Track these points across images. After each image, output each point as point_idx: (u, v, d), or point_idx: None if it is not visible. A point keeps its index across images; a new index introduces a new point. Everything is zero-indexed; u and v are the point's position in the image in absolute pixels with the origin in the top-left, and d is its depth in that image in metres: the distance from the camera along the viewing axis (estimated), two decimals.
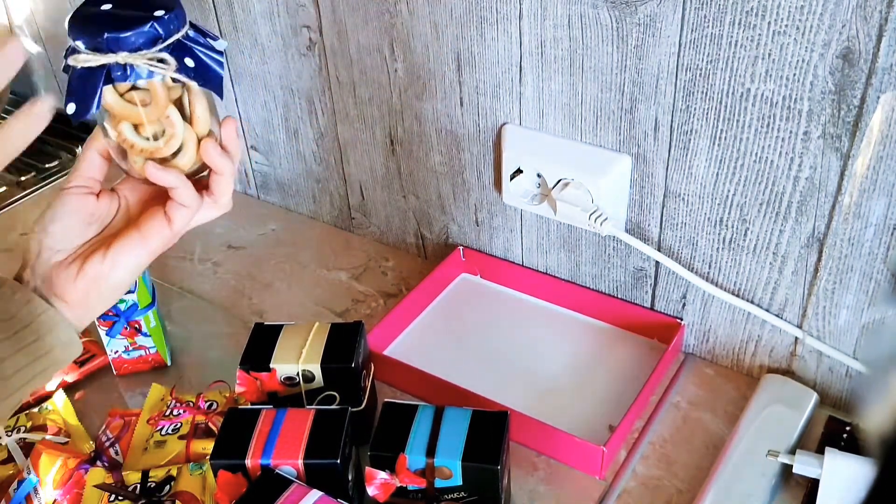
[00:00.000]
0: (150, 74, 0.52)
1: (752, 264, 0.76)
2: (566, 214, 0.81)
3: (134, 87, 0.53)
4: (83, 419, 0.81)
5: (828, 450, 0.67)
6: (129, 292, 0.81)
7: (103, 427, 0.79)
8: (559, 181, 0.81)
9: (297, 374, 0.72)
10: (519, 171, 0.84)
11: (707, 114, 0.70)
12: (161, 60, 0.52)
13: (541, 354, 0.86)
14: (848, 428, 0.74)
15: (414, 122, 0.91)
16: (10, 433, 0.77)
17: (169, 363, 0.87)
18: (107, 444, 0.77)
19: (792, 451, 0.68)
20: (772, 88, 0.66)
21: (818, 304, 0.74)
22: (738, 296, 0.78)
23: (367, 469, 0.65)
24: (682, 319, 0.83)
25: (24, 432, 0.77)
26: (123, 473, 0.71)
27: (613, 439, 0.73)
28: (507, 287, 0.94)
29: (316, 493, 0.61)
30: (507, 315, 0.91)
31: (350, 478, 0.67)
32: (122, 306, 0.82)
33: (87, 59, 0.51)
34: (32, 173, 1.25)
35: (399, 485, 0.64)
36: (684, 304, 0.83)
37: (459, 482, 0.64)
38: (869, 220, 0.67)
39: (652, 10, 0.68)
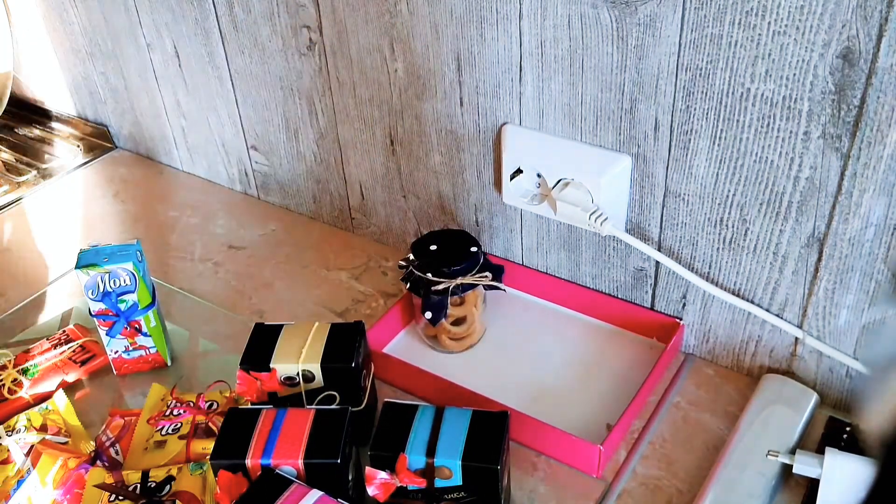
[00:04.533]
0: (472, 288, 0.83)
1: (752, 264, 0.76)
2: (566, 214, 0.81)
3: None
4: (83, 419, 0.81)
5: (828, 450, 0.67)
6: (129, 292, 0.81)
7: (103, 427, 0.79)
8: (559, 181, 0.81)
9: (297, 374, 0.72)
10: (519, 171, 0.84)
11: (707, 114, 0.70)
12: (482, 275, 0.82)
13: (541, 354, 0.86)
14: (848, 428, 0.74)
15: (414, 122, 0.91)
16: (10, 433, 0.77)
17: (169, 363, 0.87)
18: (107, 443, 0.77)
19: (792, 451, 0.68)
20: (772, 88, 0.66)
21: (818, 304, 0.74)
22: (738, 296, 0.78)
23: (367, 469, 0.65)
24: (681, 319, 0.83)
25: (24, 432, 0.77)
26: (123, 473, 0.71)
27: (611, 438, 0.73)
28: (508, 287, 0.94)
29: (316, 493, 0.61)
30: (507, 315, 0.91)
31: (350, 478, 0.67)
32: (123, 306, 0.82)
33: (441, 284, 0.81)
34: (33, 173, 1.25)
35: (399, 485, 0.64)
36: (684, 304, 0.83)
37: (459, 482, 0.64)
38: (869, 220, 0.67)
39: (652, 10, 0.68)
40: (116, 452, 0.76)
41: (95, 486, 0.70)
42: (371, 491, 0.64)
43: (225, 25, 0.99)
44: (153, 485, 0.70)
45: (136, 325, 0.83)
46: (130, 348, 0.85)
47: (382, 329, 0.87)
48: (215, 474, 0.65)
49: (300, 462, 0.64)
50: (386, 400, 0.69)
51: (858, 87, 0.62)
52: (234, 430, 0.67)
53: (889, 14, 0.59)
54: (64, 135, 1.34)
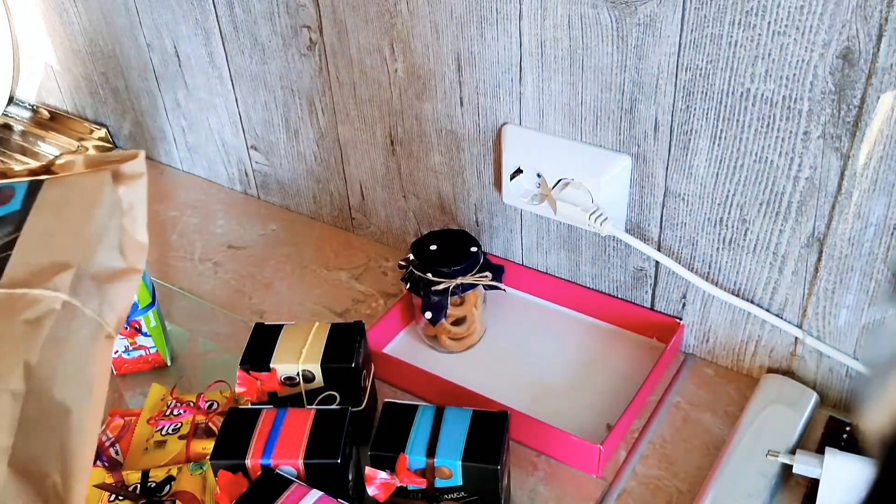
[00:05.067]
0: (472, 287, 0.82)
1: (752, 264, 0.76)
2: (566, 214, 0.81)
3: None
4: None
5: (828, 450, 0.67)
6: None
7: (103, 427, 0.79)
8: (559, 181, 0.81)
9: (297, 374, 0.72)
10: (519, 171, 0.84)
11: (707, 114, 0.70)
12: (483, 275, 0.82)
13: (541, 354, 0.86)
14: (848, 428, 0.74)
15: (414, 122, 0.91)
16: None
17: (169, 363, 0.87)
18: (107, 444, 0.77)
19: (792, 451, 0.68)
20: (772, 88, 0.66)
21: (818, 304, 0.74)
22: (738, 296, 0.78)
23: (367, 469, 0.65)
24: (681, 319, 0.83)
25: None
26: (123, 473, 0.71)
27: (611, 438, 0.73)
28: (508, 287, 0.94)
29: (316, 493, 0.61)
30: (507, 315, 0.91)
31: (350, 478, 0.68)
32: None
33: (441, 284, 0.81)
34: None
35: (399, 485, 0.64)
36: (684, 304, 0.83)
37: (459, 482, 0.64)
38: (869, 220, 0.67)
39: (652, 10, 0.68)
40: (116, 452, 0.76)
41: (95, 486, 0.70)
42: (371, 491, 0.64)
43: (225, 25, 0.99)
44: (153, 485, 0.70)
45: (136, 325, 0.83)
46: (130, 348, 0.85)
47: (382, 329, 0.87)
48: (215, 474, 0.65)
49: (300, 462, 0.64)
50: (386, 400, 0.69)
51: (858, 87, 0.62)
52: (234, 430, 0.67)
53: (889, 14, 0.59)
54: (64, 135, 1.34)
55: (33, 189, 0.53)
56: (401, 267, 0.86)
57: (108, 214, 0.53)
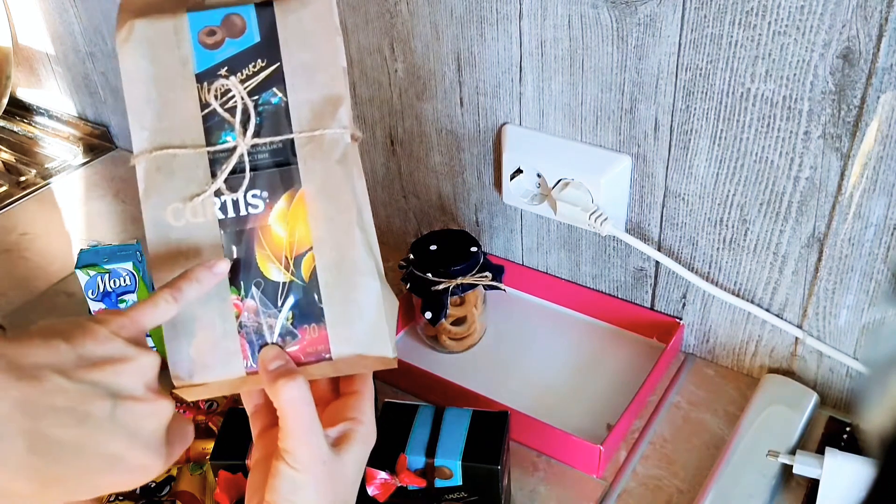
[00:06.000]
0: (472, 288, 0.82)
1: (753, 264, 0.76)
2: (566, 214, 0.81)
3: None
4: None
5: (828, 450, 0.67)
6: (130, 292, 0.81)
7: None
8: (559, 181, 0.81)
9: None
10: (519, 171, 0.84)
11: (707, 114, 0.70)
12: (483, 275, 0.82)
13: (541, 354, 0.86)
14: (848, 428, 0.74)
15: (414, 123, 0.91)
16: None
17: None
18: None
19: (792, 452, 0.68)
20: (772, 88, 0.66)
21: (818, 304, 0.74)
22: (738, 296, 0.78)
23: (367, 469, 0.65)
24: (681, 319, 0.83)
25: None
26: None
27: (611, 438, 0.73)
28: (508, 287, 0.94)
29: None
30: (507, 315, 0.91)
31: None
32: (123, 306, 0.82)
33: (441, 284, 0.81)
34: (33, 173, 1.25)
35: (399, 485, 0.64)
36: (684, 304, 0.83)
37: (459, 482, 0.64)
38: (869, 220, 0.67)
39: (652, 10, 0.68)
40: None
41: None
42: (371, 491, 0.64)
43: None
44: (153, 485, 0.70)
45: None
46: None
47: None
48: (215, 474, 0.65)
49: None
50: (386, 400, 0.69)
51: (858, 87, 0.62)
52: (234, 430, 0.67)
53: (889, 14, 0.59)
54: (64, 135, 1.34)
55: (264, 18, 0.52)
56: (401, 267, 0.86)
57: (338, 33, 0.54)
